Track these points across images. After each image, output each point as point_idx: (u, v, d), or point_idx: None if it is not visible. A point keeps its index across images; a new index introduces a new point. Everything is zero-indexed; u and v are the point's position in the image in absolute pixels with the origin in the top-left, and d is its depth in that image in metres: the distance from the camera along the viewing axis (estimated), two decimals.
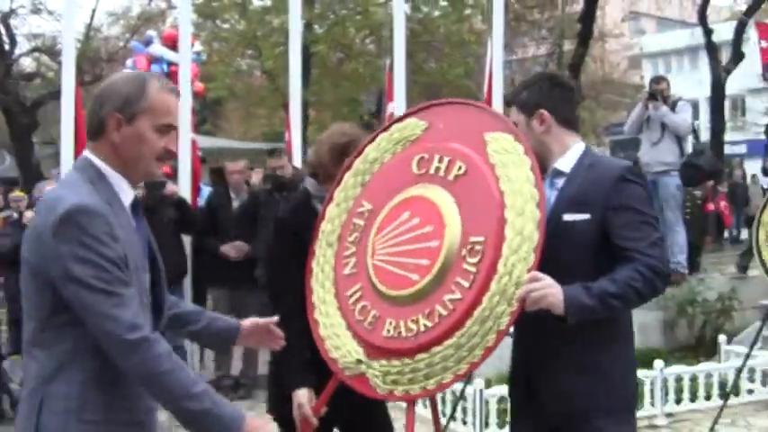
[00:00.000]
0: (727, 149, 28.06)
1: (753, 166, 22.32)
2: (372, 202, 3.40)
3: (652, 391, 6.49)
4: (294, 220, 3.69)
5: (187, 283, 8.24)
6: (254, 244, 7.84)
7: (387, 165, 3.44)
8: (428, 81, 21.78)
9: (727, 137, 28.99)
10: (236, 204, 8.38)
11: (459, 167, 3.18)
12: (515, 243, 2.96)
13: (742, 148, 31.37)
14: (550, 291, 2.83)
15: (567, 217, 3.03)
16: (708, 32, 19.42)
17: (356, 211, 3.44)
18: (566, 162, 3.19)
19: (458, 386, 6.07)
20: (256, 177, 9.77)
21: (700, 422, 6.53)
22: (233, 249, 7.98)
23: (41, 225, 2.43)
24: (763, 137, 13.18)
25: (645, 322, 7.99)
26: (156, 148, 2.57)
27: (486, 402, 5.98)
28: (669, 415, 6.72)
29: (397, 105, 8.70)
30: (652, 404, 6.58)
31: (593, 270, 2.95)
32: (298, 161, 9.02)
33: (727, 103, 23.39)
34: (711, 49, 19.50)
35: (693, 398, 6.85)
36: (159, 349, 2.37)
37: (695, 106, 9.72)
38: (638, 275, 2.87)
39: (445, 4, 21.98)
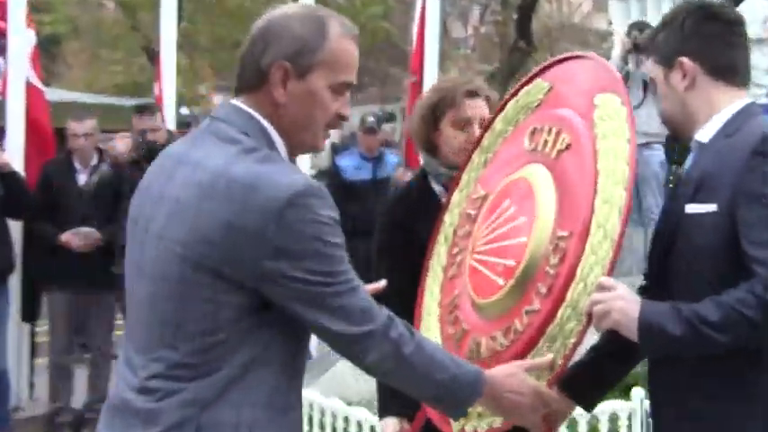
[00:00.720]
0: None
1: None
2: (486, 186, 3.28)
3: (630, 426, 6.64)
4: (402, 206, 3.69)
5: (14, 283, 7.36)
6: (114, 231, 7.15)
7: (508, 139, 3.32)
8: None
9: None
10: (81, 178, 7.72)
11: (563, 140, 3.01)
12: (596, 240, 2.72)
13: None
14: (617, 305, 2.53)
15: (691, 208, 2.64)
16: None
17: (472, 197, 3.33)
18: (707, 130, 2.75)
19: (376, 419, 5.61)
20: (122, 144, 9.19)
21: None
22: (77, 238, 7.31)
23: (235, 213, 2.27)
24: (765, 100, 13.77)
25: None
26: (330, 112, 2.43)
27: None
28: None
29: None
30: None
31: (720, 286, 2.51)
32: (172, 123, 8.38)
33: None
34: None
35: None
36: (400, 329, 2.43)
37: None
38: (752, 298, 2.40)
39: None
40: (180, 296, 2.30)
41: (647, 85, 8.98)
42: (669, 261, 2.69)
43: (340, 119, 2.49)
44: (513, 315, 2.91)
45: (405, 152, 9.89)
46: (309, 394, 6.80)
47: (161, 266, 2.30)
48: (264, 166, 2.29)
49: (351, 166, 9.51)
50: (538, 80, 3.32)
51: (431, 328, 3.30)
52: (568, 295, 2.73)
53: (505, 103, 3.41)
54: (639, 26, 9.61)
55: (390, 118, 19.87)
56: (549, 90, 3.24)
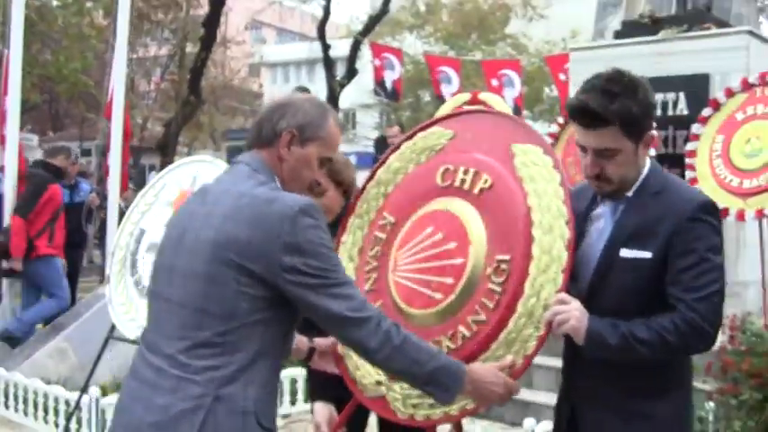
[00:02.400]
0: None
1: (360, 177, 25.84)
2: (395, 214, 3.35)
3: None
4: None
5: None
6: None
7: (410, 175, 3.40)
8: (42, 73, 21.12)
9: (341, 148, 32.87)
10: None
11: (485, 180, 3.13)
12: (543, 263, 2.90)
13: (353, 159, 35.49)
14: (574, 315, 2.73)
15: (626, 253, 2.80)
16: (325, 47, 22.10)
17: (378, 223, 3.39)
18: (634, 186, 2.90)
19: (73, 395, 6.30)
20: None
21: None
22: None
23: (257, 218, 2.53)
24: (371, 149, 15.91)
25: None
26: (312, 177, 2.80)
27: (103, 412, 6.01)
28: (285, 416, 7.04)
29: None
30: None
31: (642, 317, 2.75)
32: None
33: (340, 116, 26.84)
34: (328, 63, 22.21)
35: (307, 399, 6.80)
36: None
37: None
38: (673, 327, 2.68)
39: None
40: (208, 287, 2.55)
41: None
42: (597, 297, 2.85)
43: (317, 184, 2.89)
44: (455, 322, 3.04)
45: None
46: (14, 377, 7.17)
47: (194, 265, 2.58)
48: (277, 192, 2.66)
49: None
50: (436, 128, 3.44)
51: None
52: (519, 307, 2.91)
53: (400, 145, 3.52)
54: (301, 89, 9.53)
55: (86, 153, 19.41)
56: (452, 137, 3.37)
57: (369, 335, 2.57)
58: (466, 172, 3.19)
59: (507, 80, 17.32)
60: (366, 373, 3.22)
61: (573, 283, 2.88)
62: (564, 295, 2.80)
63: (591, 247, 2.92)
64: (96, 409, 6.05)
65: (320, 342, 3.34)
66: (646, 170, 2.89)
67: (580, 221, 2.96)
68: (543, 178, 3.02)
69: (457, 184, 3.20)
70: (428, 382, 2.68)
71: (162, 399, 2.51)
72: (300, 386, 7.24)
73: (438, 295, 3.08)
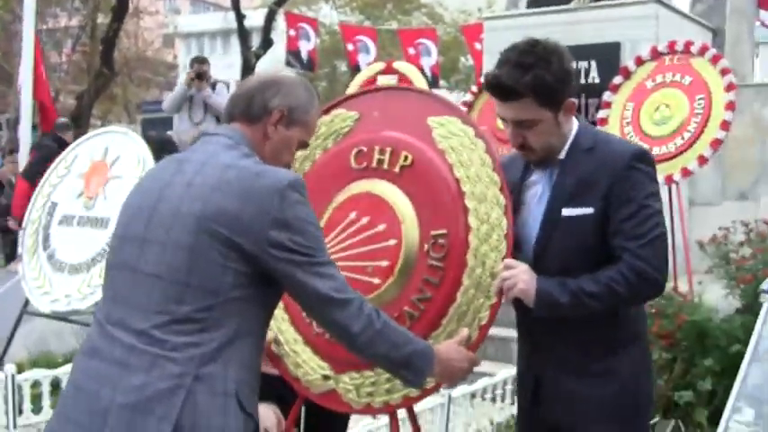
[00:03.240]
0: None
1: None
2: (311, 204, 3.21)
3: None
4: None
5: None
6: None
7: (319, 163, 3.27)
8: None
9: None
10: None
11: (405, 158, 3.05)
12: (483, 231, 2.88)
13: None
14: (522, 278, 2.75)
15: (567, 212, 2.80)
16: (240, 18, 21.88)
17: None
18: (564, 148, 2.90)
19: None
20: None
21: None
22: None
23: (246, 191, 2.42)
24: None
25: None
26: (289, 159, 2.75)
27: (20, 388, 5.74)
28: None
29: None
30: None
31: (589, 272, 2.76)
32: None
33: None
34: (243, 34, 22.05)
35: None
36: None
37: (228, 88, 10.96)
38: (621, 278, 2.71)
39: None
40: (193, 260, 2.41)
41: (207, 106, 9.74)
42: (543, 259, 2.84)
43: (290, 166, 2.81)
44: (399, 304, 2.97)
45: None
46: None
47: (176, 236, 2.43)
48: (264, 165, 2.56)
49: None
50: (339, 110, 3.32)
51: (284, 330, 3.24)
52: (465, 280, 2.89)
53: None
54: (200, 60, 10.13)
55: None
56: (358, 118, 3.26)
57: (352, 317, 2.50)
58: (382, 152, 3.10)
59: (424, 49, 17.41)
60: (310, 370, 3.14)
61: (516, 252, 2.88)
62: (510, 261, 2.80)
63: (530, 212, 2.92)
64: (12, 385, 5.75)
65: None
66: (574, 131, 2.90)
67: (515, 191, 2.94)
68: (466, 148, 2.98)
69: (374, 165, 3.11)
70: (403, 366, 2.62)
71: (136, 378, 2.33)
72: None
73: (376, 280, 3.00)
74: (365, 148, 3.14)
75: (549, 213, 2.85)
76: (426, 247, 2.95)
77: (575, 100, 2.85)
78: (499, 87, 2.81)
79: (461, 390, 5.23)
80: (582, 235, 2.80)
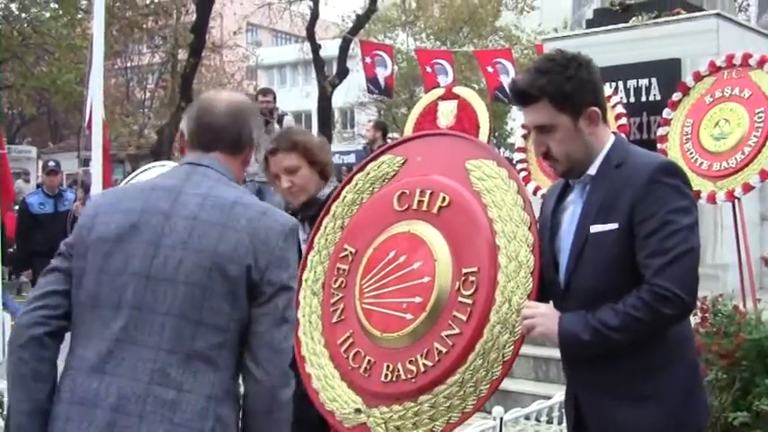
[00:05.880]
0: (337, 159, 30.12)
1: None
2: (355, 244, 3.37)
3: None
4: None
5: None
6: None
7: (366, 205, 3.43)
8: (38, 85, 21.35)
9: (338, 147, 32.81)
10: None
11: (443, 199, 3.17)
12: (511, 269, 2.93)
13: (352, 158, 33.00)
14: (541, 321, 2.73)
15: (595, 228, 2.72)
16: (315, 48, 21.87)
17: (339, 255, 3.42)
18: (596, 163, 2.82)
19: None
20: None
21: None
22: None
23: (256, 230, 2.41)
24: None
25: None
26: None
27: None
28: None
29: None
30: None
31: (624, 291, 2.65)
32: None
33: (337, 115, 26.98)
34: (319, 63, 22.04)
35: None
36: None
37: (308, 117, 10.65)
38: (640, 303, 2.59)
39: (56, 6, 21.35)
40: (205, 297, 2.34)
41: None
42: (576, 277, 2.77)
43: None
44: (430, 339, 3.05)
45: None
46: None
47: (186, 273, 2.35)
48: (265, 204, 2.55)
49: (36, 202, 9.79)
50: (387, 155, 3.48)
51: (323, 366, 3.35)
52: (492, 316, 2.94)
53: (352, 177, 3.55)
54: (263, 92, 10.41)
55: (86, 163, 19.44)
56: (403, 163, 3.41)
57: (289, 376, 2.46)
58: (422, 193, 3.23)
59: (502, 68, 17.35)
60: (344, 404, 3.23)
61: (555, 274, 2.85)
62: (530, 303, 2.82)
63: (566, 232, 2.86)
64: None
65: None
66: (608, 146, 2.83)
67: (553, 216, 2.93)
68: (500, 189, 3.07)
69: (414, 206, 3.24)
70: None
71: (178, 418, 2.27)
72: None
73: (409, 315, 3.10)
74: (408, 191, 3.28)
75: (579, 231, 2.78)
76: (458, 284, 3.02)
77: (597, 109, 2.79)
78: (516, 91, 2.87)
79: (513, 413, 5.17)
80: (610, 251, 2.70)
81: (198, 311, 2.33)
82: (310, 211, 3.69)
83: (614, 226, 2.69)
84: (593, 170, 2.81)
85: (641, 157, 2.78)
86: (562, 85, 2.74)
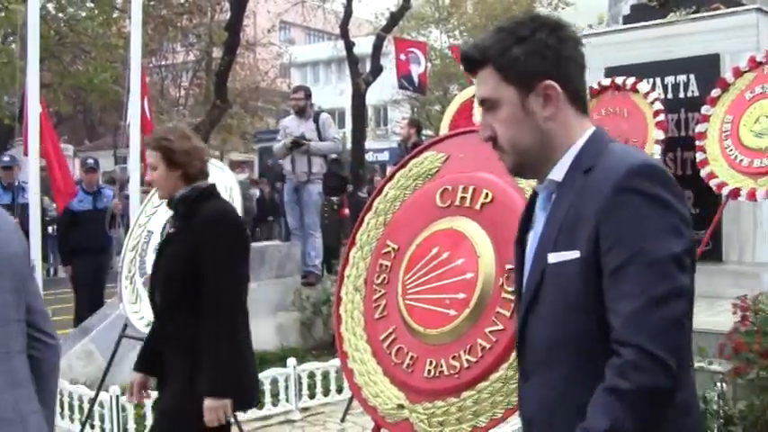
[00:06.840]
0: (371, 157, 29.48)
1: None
2: (397, 241, 3.39)
3: (287, 387, 6.95)
4: None
5: None
6: None
7: (408, 201, 3.45)
8: (75, 84, 21.24)
9: (372, 144, 32.75)
10: None
11: (486, 195, 3.16)
12: None
13: (385, 156, 33.02)
14: None
15: (554, 257, 1.97)
16: (348, 45, 21.63)
17: (381, 252, 3.44)
18: (561, 165, 2.06)
19: (90, 392, 6.37)
20: None
21: (332, 414, 6.99)
22: None
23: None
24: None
25: (283, 323, 8.83)
26: None
27: (123, 408, 6.12)
28: (304, 409, 7.12)
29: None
30: (287, 400, 6.95)
31: (588, 346, 1.92)
32: None
33: (370, 113, 26.90)
34: (352, 61, 21.76)
35: (326, 392, 7.25)
36: None
37: (341, 115, 10.37)
38: (620, 379, 1.80)
39: (92, 5, 21.47)
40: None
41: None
42: (532, 318, 2.06)
43: None
44: (472, 336, 3.04)
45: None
46: None
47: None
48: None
49: (75, 199, 9.79)
50: (429, 152, 3.49)
51: (366, 362, 3.40)
52: None
53: (394, 174, 3.59)
54: (295, 90, 10.23)
55: (123, 161, 19.86)
56: (446, 159, 3.41)
57: None
58: (465, 190, 3.22)
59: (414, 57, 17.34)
60: (387, 400, 3.25)
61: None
62: None
63: (528, 260, 2.15)
64: (117, 406, 6.11)
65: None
66: (580, 143, 2.06)
67: (520, 235, 2.25)
68: None
69: (457, 202, 3.23)
70: None
71: None
72: (318, 379, 7.38)
73: (452, 312, 3.09)
74: (450, 187, 3.27)
75: (536, 260, 2.07)
76: (501, 280, 2.99)
77: (555, 85, 2.04)
78: (462, 55, 2.20)
79: None
80: (569, 288, 1.96)
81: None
82: (171, 208, 3.72)
83: (575, 254, 1.95)
84: (558, 174, 2.06)
85: (613, 159, 1.98)
86: (509, 48, 2.05)
